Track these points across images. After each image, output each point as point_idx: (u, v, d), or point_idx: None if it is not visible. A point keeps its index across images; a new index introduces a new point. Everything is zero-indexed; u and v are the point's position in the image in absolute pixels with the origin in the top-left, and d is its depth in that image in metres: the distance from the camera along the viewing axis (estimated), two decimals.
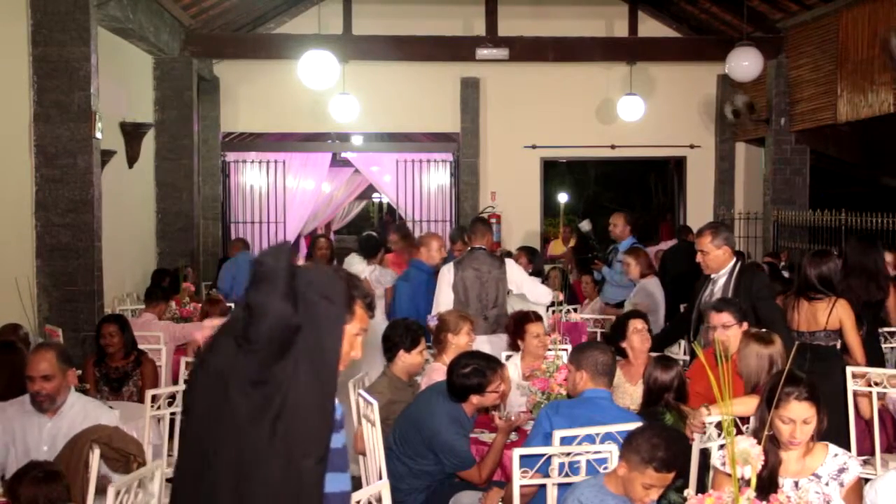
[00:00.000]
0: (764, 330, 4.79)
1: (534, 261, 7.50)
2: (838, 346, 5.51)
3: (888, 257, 6.65)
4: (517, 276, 6.92)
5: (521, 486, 3.84)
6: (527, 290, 6.90)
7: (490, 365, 4.65)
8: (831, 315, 5.46)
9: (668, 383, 4.62)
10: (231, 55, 12.25)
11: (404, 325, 5.33)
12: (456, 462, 4.45)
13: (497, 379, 4.62)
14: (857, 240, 6.63)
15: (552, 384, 4.89)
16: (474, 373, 4.56)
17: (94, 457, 3.95)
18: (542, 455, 3.87)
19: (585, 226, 12.88)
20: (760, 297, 5.53)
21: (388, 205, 18.41)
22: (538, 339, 5.65)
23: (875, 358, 5.85)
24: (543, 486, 3.91)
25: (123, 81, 10.03)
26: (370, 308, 3.00)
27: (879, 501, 3.35)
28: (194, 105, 11.39)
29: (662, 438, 3.35)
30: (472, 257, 6.85)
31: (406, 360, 5.19)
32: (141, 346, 6.35)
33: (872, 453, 5.13)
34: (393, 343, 5.22)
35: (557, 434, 3.92)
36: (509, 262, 6.94)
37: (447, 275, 6.80)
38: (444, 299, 6.74)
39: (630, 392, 5.39)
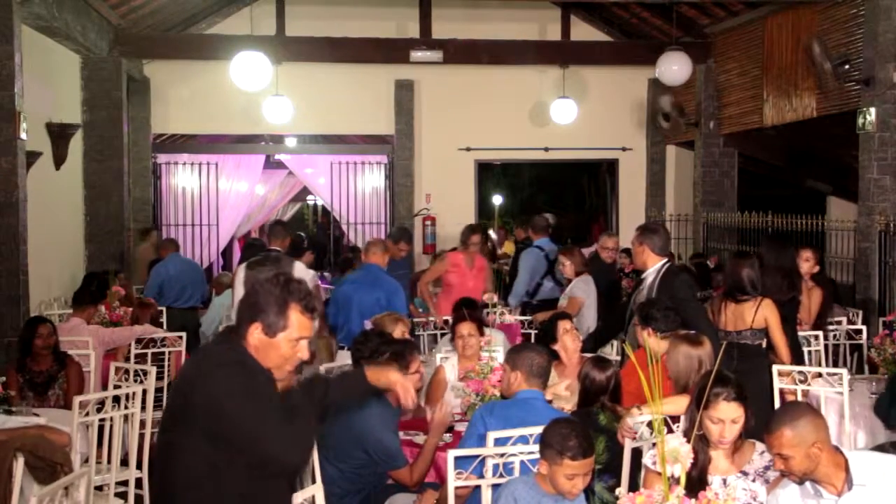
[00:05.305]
0: (693, 332, 4.87)
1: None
2: (763, 344, 5.64)
3: (808, 254, 6.80)
4: None
5: (456, 488, 3.85)
6: None
7: (407, 347, 4.74)
8: (757, 314, 5.58)
9: (605, 383, 4.64)
10: (162, 55, 12.06)
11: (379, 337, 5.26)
12: (387, 459, 4.42)
13: (416, 359, 4.66)
14: (771, 240, 6.78)
15: (486, 385, 4.91)
16: (393, 356, 4.58)
17: (18, 466, 3.84)
18: (477, 456, 3.89)
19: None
20: (680, 298, 5.59)
21: (323, 207, 18.27)
22: (462, 340, 5.63)
23: (795, 355, 6.01)
24: (478, 488, 3.93)
25: (50, 81, 9.79)
26: (308, 310, 2.96)
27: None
28: (124, 106, 11.17)
29: (571, 427, 3.52)
30: (265, 258, 6.76)
31: None
32: (70, 351, 6.21)
33: None
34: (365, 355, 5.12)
35: (491, 435, 3.95)
36: (298, 266, 6.77)
37: (240, 273, 6.74)
38: (238, 297, 6.53)
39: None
